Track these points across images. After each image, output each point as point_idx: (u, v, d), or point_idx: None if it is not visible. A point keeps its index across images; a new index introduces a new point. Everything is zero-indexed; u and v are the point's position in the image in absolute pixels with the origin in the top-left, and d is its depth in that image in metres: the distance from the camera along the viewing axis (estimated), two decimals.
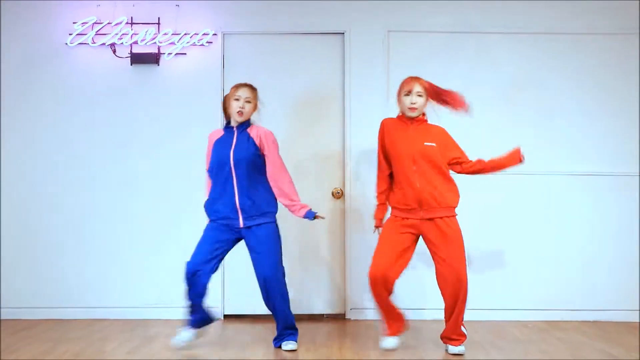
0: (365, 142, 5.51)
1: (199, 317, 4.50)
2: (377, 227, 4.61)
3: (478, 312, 5.46)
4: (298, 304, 5.57)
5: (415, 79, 4.48)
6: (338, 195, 5.62)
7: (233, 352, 4.50)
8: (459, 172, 4.51)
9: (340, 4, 5.65)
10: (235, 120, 4.50)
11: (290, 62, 5.67)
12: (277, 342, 4.55)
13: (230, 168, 4.40)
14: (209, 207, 4.50)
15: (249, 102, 4.48)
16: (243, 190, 4.41)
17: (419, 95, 4.43)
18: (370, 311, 5.51)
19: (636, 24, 5.62)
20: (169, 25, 5.57)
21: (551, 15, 5.64)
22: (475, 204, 5.45)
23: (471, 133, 5.44)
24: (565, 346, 4.68)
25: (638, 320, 5.48)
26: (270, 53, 5.67)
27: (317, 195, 5.59)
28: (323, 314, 5.65)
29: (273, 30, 5.64)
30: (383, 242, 4.44)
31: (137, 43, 5.54)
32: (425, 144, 4.40)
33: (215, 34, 5.60)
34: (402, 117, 4.52)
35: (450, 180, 4.48)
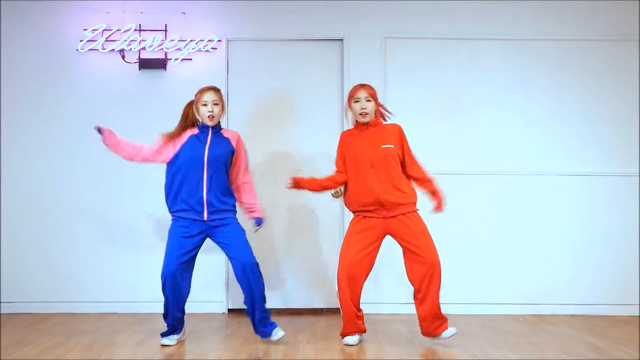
0: None
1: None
2: (290, 184, 4.64)
3: (471, 306, 5.56)
4: (299, 298, 5.68)
5: (362, 85, 4.58)
6: (337, 194, 5.58)
7: (236, 345, 4.59)
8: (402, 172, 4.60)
9: (339, 12, 5.71)
10: (207, 124, 4.53)
11: (292, 67, 5.73)
12: (265, 331, 4.54)
13: (203, 165, 4.46)
14: (174, 199, 4.55)
15: (216, 104, 4.51)
16: (210, 187, 4.47)
17: (368, 100, 4.52)
18: (366, 305, 5.45)
19: (620, 31, 5.70)
20: (175, 32, 5.62)
21: (538, 23, 5.70)
22: (470, 202, 5.59)
23: (462, 135, 5.61)
24: (554, 339, 4.76)
25: (624, 314, 5.57)
26: (272, 58, 5.73)
27: (318, 195, 5.52)
28: (323, 308, 5.71)
29: (275, 37, 5.69)
30: (347, 242, 4.54)
31: (145, 49, 5.59)
32: (382, 146, 4.48)
33: (220, 41, 5.64)
34: (358, 125, 4.60)
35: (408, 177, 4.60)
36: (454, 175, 5.47)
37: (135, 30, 5.62)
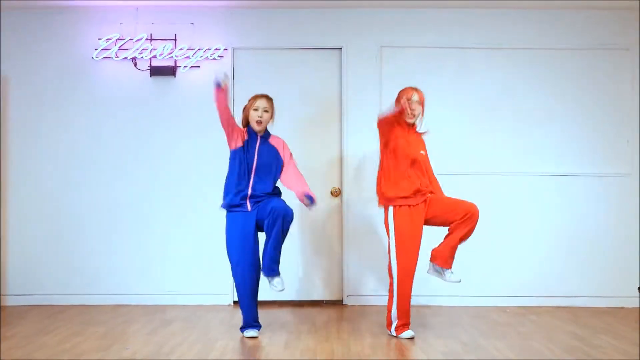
0: (360, 145, 5.73)
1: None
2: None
3: (461, 298, 5.69)
4: (300, 291, 5.79)
5: (416, 90, 4.66)
6: (336, 193, 5.79)
7: (241, 334, 4.64)
8: None
9: (338, 23, 5.83)
10: (254, 128, 4.65)
11: (293, 73, 5.82)
12: (266, 275, 4.55)
13: (252, 169, 4.58)
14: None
15: (266, 111, 4.64)
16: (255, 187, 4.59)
17: (419, 104, 4.64)
18: (365, 297, 5.74)
19: (608, 40, 5.82)
20: (184, 41, 5.75)
21: (524, 33, 5.82)
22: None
23: (453, 137, 5.73)
24: (539, 328, 4.88)
25: (604, 306, 5.70)
26: (275, 66, 5.82)
27: (318, 194, 5.58)
28: (322, 300, 5.81)
29: (278, 45, 5.79)
30: (409, 237, 4.59)
31: (155, 57, 5.73)
32: (420, 152, 4.69)
33: (226, 49, 5.77)
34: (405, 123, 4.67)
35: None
36: (445, 176, 5.52)
37: (147, 39, 5.74)
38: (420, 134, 4.77)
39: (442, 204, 4.60)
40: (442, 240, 4.59)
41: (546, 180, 5.83)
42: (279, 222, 4.43)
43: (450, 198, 4.66)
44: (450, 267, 4.57)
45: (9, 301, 5.75)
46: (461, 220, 4.51)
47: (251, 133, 4.69)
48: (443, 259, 4.55)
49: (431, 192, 4.65)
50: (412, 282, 4.55)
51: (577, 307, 5.72)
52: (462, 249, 5.58)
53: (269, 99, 4.71)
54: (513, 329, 4.86)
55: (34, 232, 5.81)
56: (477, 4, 5.78)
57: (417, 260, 4.56)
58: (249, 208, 4.56)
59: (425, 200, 4.60)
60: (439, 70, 5.79)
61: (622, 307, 5.75)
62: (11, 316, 5.28)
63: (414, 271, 4.54)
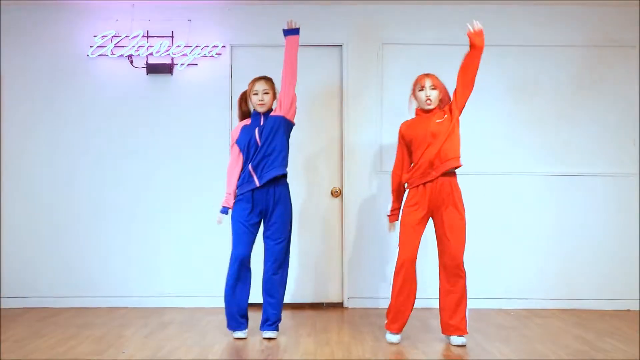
0: (361, 145, 5.70)
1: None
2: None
3: None
4: (299, 293, 5.76)
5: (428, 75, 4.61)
6: (336, 193, 5.77)
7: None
8: None
9: (339, 20, 5.80)
10: (259, 111, 4.63)
11: None
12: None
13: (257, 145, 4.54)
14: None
15: (267, 93, 4.61)
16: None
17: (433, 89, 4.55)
18: (366, 299, 5.70)
19: (614, 36, 5.80)
20: (181, 38, 5.71)
21: (528, 29, 5.80)
22: (466, 202, 5.60)
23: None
24: (544, 331, 4.85)
25: (610, 309, 5.66)
26: (274, 63, 5.58)
27: (318, 193, 5.77)
28: (323, 303, 5.79)
29: (277, 42, 5.61)
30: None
31: (152, 54, 5.68)
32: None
33: (224, 46, 5.74)
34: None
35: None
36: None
37: (143, 36, 5.71)
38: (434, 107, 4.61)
39: (452, 220, 4.47)
40: (444, 313, 4.52)
41: (551, 180, 5.81)
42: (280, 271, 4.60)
43: (463, 228, 4.49)
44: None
45: (2, 304, 5.71)
46: (449, 279, 4.47)
47: (254, 115, 4.68)
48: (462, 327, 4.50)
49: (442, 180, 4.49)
50: (403, 277, 4.43)
51: (583, 309, 5.69)
52: (465, 249, 5.63)
53: (267, 79, 4.69)
54: (517, 332, 4.85)
55: (27, 233, 5.78)
56: (480, 0, 5.77)
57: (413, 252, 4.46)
58: (257, 183, 4.54)
59: (434, 182, 4.46)
60: (441, 68, 5.51)
61: (629, 310, 5.71)
62: (4, 319, 5.25)
63: (406, 265, 4.44)
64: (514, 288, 5.76)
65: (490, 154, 5.82)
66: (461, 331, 4.46)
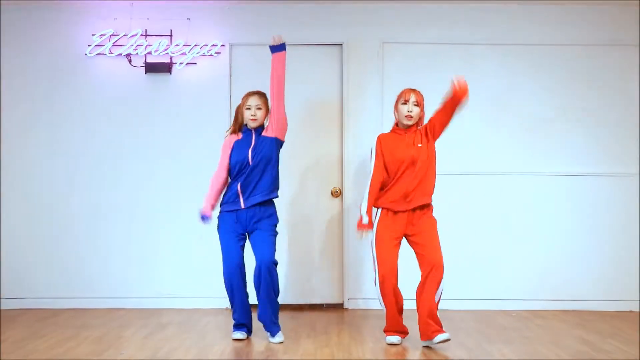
0: (361, 144, 5.67)
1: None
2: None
3: (465, 301, 5.65)
4: (299, 294, 5.75)
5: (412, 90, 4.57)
6: (337, 194, 5.76)
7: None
8: None
9: (339, 18, 5.77)
10: (250, 127, 4.62)
11: (293, 70, 5.59)
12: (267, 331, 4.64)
13: (249, 166, 4.53)
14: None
15: (259, 108, 4.59)
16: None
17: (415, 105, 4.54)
18: (366, 300, 5.69)
19: (615, 36, 5.78)
20: (180, 37, 5.69)
21: (529, 28, 5.78)
22: (465, 201, 5.69)
23: (457, 136, 5.56)
24: (546, 332, 4.85)
25: (613, 310, 5.65)
26: None
27: (318, 193, 5.75)
28: (322, 304, 5.77)
29: None
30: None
31: (151, 53, 5.66)
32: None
33: (223, 45, 5.72)
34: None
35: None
36: (449, 176, 5.59)
37: (142, 35, 5.69)
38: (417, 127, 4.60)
39: (426, 234, 4.45)
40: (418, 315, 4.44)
41: (553, 180, 5.80)
42: (265, 275, 4.46)
43: (435, 236, 4.46)
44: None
45: (1, 304, 5.69)
46: (426, 277, 4.39)
47: (246, 131, 4.67)
48: (433, 331, 4.37)
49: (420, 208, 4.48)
50: (386, 291, 4.45)
51: (585, 310, 5.68)
52: (466, 249, 5.67)
53: (261, 95, 4.67)
54: (519, 333, 4.83)
55: (26, 233, 5.76)
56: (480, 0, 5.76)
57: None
58: (242, 205, 4.54)
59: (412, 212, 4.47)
60: (442, 67, 5.74)
61: (631, 311, 5.69)
62: (3, 320, 5.24)
63: (387, 278, 4.43)
64: (515, 289, 5.74)
65: (490, 154, 5.80)
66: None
